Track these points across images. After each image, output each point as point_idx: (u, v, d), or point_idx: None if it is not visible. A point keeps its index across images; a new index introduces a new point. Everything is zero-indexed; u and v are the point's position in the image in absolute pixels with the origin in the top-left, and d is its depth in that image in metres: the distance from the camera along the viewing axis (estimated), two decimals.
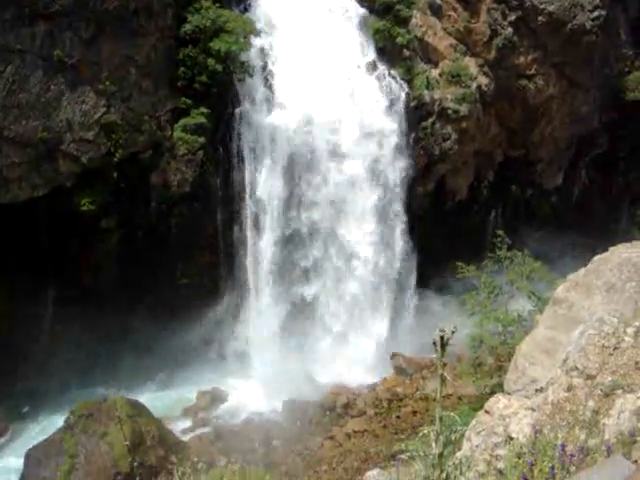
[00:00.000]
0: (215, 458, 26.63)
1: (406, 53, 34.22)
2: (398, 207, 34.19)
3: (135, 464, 24.32)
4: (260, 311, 32.82)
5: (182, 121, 30.47)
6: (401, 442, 24.71)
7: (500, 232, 27.23)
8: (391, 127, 33.21)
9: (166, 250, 31.29)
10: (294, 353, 31.72)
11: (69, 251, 30.47)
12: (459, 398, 27.19)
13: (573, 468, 5.22)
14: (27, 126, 27.43)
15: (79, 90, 28.30)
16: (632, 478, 2.47)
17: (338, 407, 29.90)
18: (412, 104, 33.91)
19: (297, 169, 32.20)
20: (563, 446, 5.63)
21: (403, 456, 5.17)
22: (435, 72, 35.17)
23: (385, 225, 34.03)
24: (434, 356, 4.77)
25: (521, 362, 12.05)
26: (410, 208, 34.68)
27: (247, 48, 31.21)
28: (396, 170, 33.69)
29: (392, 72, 33.73)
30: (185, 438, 28.50)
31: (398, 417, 29.11)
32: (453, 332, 4.68)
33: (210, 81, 30.20)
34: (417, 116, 34.36)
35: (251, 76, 31.38)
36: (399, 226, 34.33)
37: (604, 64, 39.45)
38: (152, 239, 31.03)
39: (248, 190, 31.87)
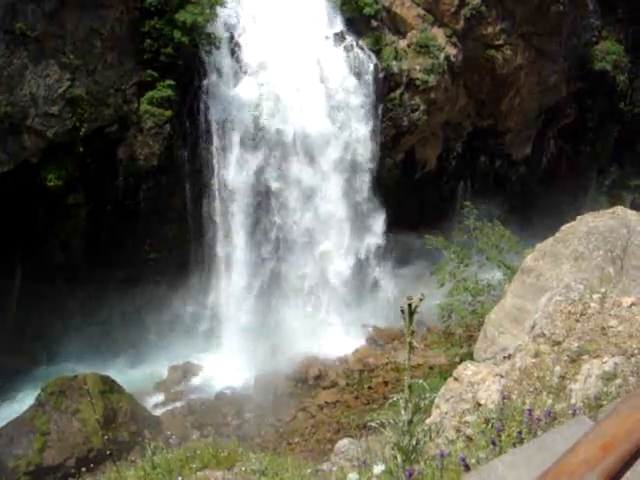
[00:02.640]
0: (188, 432, 26.69)
1: (374, 24, 34.09)
2: (366, 179, 34.23)
3: (108, 440, 24.30)
4: (230, 285, 32.78)
5: (148, 94, 30.12)
6: (373, 412, 24.88)
7: (467, 202, 27.32)
8: (359, 98, 33.15)
9: (135, 224, 31.07)
10: (265, 326, 31.79)
11: (37, 227, 30.16)
12: (430, 368, 27.38)
13: (540, 432, 5.28)
14: None
15: (43, 64, 27.87)
16: (590, 432, 2.49)
17: (310, 379, 30.04)
18: (380, 75, 33.84)
19: (264, 140, 32.07)
20: (530, 411, 5.69)
21: (373, 424, 5.18)
22: (403, 43, 35.08)
23: (354, 198, 34.08)
24: (403, 323, 4.78)
25: (490, 331, 12.15)
26: (379, 179, 34.71)
27: (213, 19, 30.90)
28: (364, 141, 33.65)
29: (360, 43, 33.62)
30: (157, 413, 28.51)
31: (370, 387, 29.30)
32: (421, 300, 4.69)
33: (176, 53, 29.87)
34: (385, 87, 34.30)
35: (217, 48, 31.09)
36: (367, 199, 34.40)
37: (572, 34, 39.64)
38: (120, 214, 30.79)
39: (216, 163, 31.70)
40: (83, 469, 16.67)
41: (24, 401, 27.76)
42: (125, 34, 29.63)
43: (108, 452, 19.19)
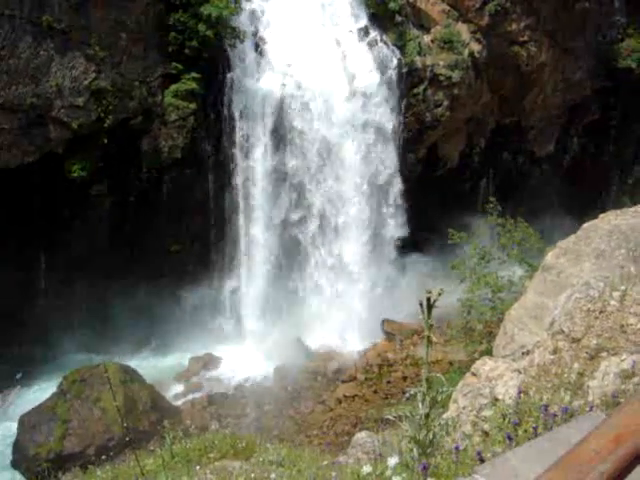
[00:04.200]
0: (207, 423, 26.88)
1: (398, 19, 34.00)
2: (390, 173, 34.18)
3: (127, 429, 24.53)
4: (252, 277, 32.91)
5: (173, 87, 30.28)
6: (391, 407, 24.93)
7: (492, 199, 27.27)
8: (382, 93, 33.10)
9: (157, 216, 31.26)
10: (286, 319, 31.88)
11: (61, 217, 30.43)
12: (449, 363, 27.38)
13: (556, 427, 5.32)
14: (16, 92, 27.25)
15: (69, 56, 28.09)
16: (601, 424, 2.54)
17: (329, 372, 30.14)
18: (404, 70, 33.77)
19: (288, 134, 32.13)
20: (546, 407, 5.73)
21: (390, 417, 5.24)
22: (427, 38, 34.98)
23: (376, 191, 34.05)
24: (422, 319, 4.83)
25: (510, 328, 12.16)
26: (401, 174, 34.67)
27: (238, 13, 30.99)
28: (387, 136, 33.62)
29: (384, 38, 33.54)
30: (177, 403, 28.75)
31: (388, 382, 29.34)
32: (440, 294, 4.73)
33: (201, 46, 29.96)
34: (409, 82, 34.23)
35: (242, 41, 31.18)
36: (391, 194, 34.35)
37: (597, 31, 39.32)
38: (143, 205, 30.99)
39: (239, 156, 31.81)
40: (103, 457, 16.86)
41: (46, 389, 28.10)
42: (150, 27, 29.78)
43: (131, 437, 19.41)
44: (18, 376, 30.46)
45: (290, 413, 28.25)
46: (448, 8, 35.34)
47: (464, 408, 8.20)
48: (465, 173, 39.17)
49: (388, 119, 33.50)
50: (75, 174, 28.83)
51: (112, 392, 21.83)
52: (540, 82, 38.93)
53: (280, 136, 32.06)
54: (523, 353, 8.71)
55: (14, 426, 26.80)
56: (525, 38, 37.05)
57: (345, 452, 10.67)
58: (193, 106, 30.43)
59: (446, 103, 35.13)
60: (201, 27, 29.59)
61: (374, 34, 33.43)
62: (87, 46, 28.29)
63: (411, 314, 31.36)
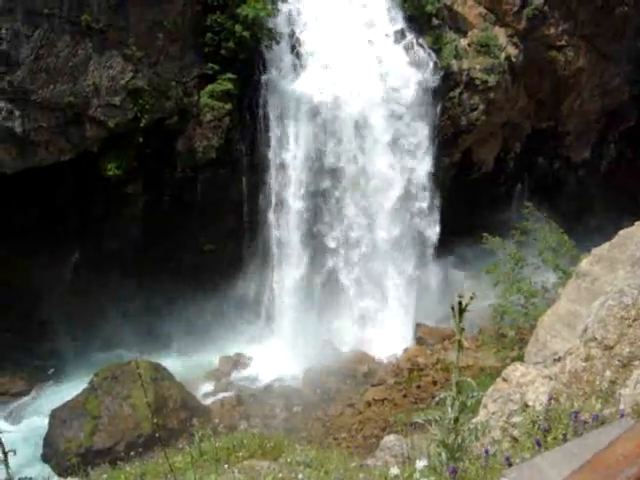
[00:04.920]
0: (236, 422, 26.97)
1: (435, 22, 33.88)
2: (423, 177, 34.05)
3: (157, 426, 24.70)
4: (283, 278, 32.96)
5: (209, 87, 30.45)
6: (420, 411, 24.83)
7: (528, 204, 27.08)
8: (418, 96, 32.99)
9: (191, 216, 31.45)
10: (317, 320, 31.88)
11: (94, 215, 30.74)
12: (480, 369, 27.22)
13: (585, 434, 5.26)
14: (54, 90, 27.58)
15: (106, 55, 28.37)
16: (629, 430, 2.51)
17: (359, 375, 30.08)
18: (440, 73, 33.64)
19: (322, 136, 32.14)
20: (577, 413, 5.67)
21: (419, 420, 5.21)
22: (464, 42, 34.81)
23: (409, 194, 33.94)
24: (454, 323, 4.79)
25: (542, 334, 12.05)
26: (436, 178, 34.52)
27: (275, 14, 31.07)
28: (422, 139, 33.50)
29: (420, 41, 33.43)
30: (207, 402, 28.88)
31: (418, 387, 29.21)
32: (472, 298, 4.68)
33: (237, 47, 30.09)
34: (444, 86, 34.09)
35: (278, 43, 31.28)
36: (423, 196, 34.22)
37: (636, 36, 38.85)
38: (177, 205, 31.21)
39: (273, 157, 31.90)
40: (132, 453, 16.95)
41: (77, 385, 28.37)
42: (187, 27, 29.97)
43: (157, 435, 19.51)
44: (50, 371, 30.83)
45: (319, 415, 28.25)
46: (485, 11, 35.15)
47: (494, 413, 8.14)
48: (500, 178, 38.92)
49: (423, 123, 33.37)
50: (110, 172, 29.11)
51: (144, 389, 21.97)
52: (578, 87, 38.58)
53: (315, 138, 32.08)
54: (555, 360, 8.62)
55: (45, 421, 27.14)
56: (563, 42, 36.75)
57: (373, 455, 10.64)
58: (228, 107, 30.57)
59: (482, 107, 34.93)
60: (238, 28, 29.72)
61: (410, 37, 33.34)
62: (125, 46, 28.55)
63: (442, 318, 31.29)
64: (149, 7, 28.77)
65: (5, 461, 4.94)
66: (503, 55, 34.90)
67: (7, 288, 29.37)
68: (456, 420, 4.92)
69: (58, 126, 28.21)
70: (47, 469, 25.12)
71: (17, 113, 27.33)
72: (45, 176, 28.87)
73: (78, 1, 27.25)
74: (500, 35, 35.15)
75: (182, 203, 31.29)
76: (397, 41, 33.16)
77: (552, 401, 6.97)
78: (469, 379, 5.06)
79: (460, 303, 4.60)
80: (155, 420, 24.60)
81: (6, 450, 4.93)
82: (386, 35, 33.09)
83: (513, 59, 35.37)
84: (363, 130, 32.40)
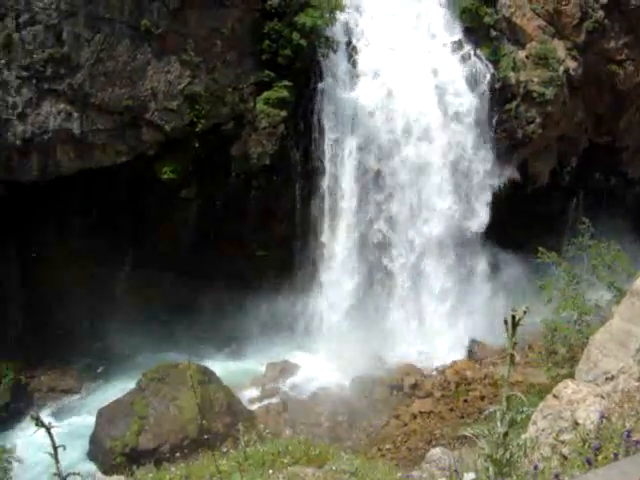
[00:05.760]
0: (281, 429, 26.99)
1: (493, 33, 33.65)
2: (479, 190, 33.73)
3: (202, 428, 24.84)
4: (333, 287, 32.93)
5: (265, 94, 30.62)
6: (467, 426, 24.55)
7: (585, 219, 26.67)
8: (474, 108, 32.76)
9: (243, 221, 31.64)
10: (366, 330, 31.76)
11: (148, 218, 31.10)
12: (529, 386, 26.83)
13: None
14: (113, 94, 28.04)
15: (165, 60, 28.75)
16: None
17: (406, 387, 29.90)
18: (497, 85, 33.37)
19: (377, 145, 32.09)
20: (629, 433, 5.53)
21: (467, 434, 5.13)
22: (522, 54, 34.46)
23: (464, 208, 33.67)
24: (505, 338, 4.71)
25: (594, 353, 11.82)
26: (490, 190, 34.19)
27: (332, 23, 31.15)
28: (477, 151, 33.23)
29: (478, 52, 33.24)
30: (252, 408, 28.97)
31: (465, 401, 28.94)
32: (525, 312, 4.60)
33: (294, 55, 30.23)
34: (501, 98, 33.80)
35: (335, 51, 31.36)
36: (479, 211, 33.89)
37: None
38: (230, 210, 31.40)
39: (327, 165, 31.93)
40: (176, 455, 17.07)
41: (125, 385, 28.70)
42: (245, 34, 30.21)
43: (206, 437, 19.59)
44: (99, 370, 31.22)
45: (364, 425, 28.13)
46: (544, 24, 34.76)
47: (543, 430, 7.99)
48: (555, 192, 38.38)
49: (479, 135, 33.11)
50: (165, 176, 29.44)
51: (194, 391, 22.16)
52: (637, 101, 37.90)
53: (369, 148, 32.04)
54: (607, 378, 8.44)
55: (92, 419, 27.49)
56: (622, 57, 36.15)
57: (419, 467, 10.55)
58: (284, 114, 30.70)
59: (538, 120, 34.52)
60: (295, 36, 29.86)
61: (468, 48, 33.17)
62: (183, 51, 28.90)
63: (492, 333, 30.90)
64: (208, 13, 29.09)
65: (55, 456, 4.96)
66: (561, 68, 34.46)
67: (62, 287, 29.86)
68: (505, 435, 4.84)
69: (115, 129, 28.67)
70: (93, 467, 25.43)
71: (76, 115, 27.85)
72: (102, 178, 29.31)
73: (138, 6, 27.70)
74: (559, 48, 34.73)
75: (235, 209, 31.47)
76: (454, 52, 33.00)
77: (604, 420, 6.82)
78: (519, 394, 4.97)
79: (514, 317, 4.53)
80: (205, 421, 24.79)
81: (56, 445, 4.96)
82: (443, 45, 32.97)
83: (572, 72, 34.91)
84: (417, 139, 32.26)
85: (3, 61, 26.67)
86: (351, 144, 31.79)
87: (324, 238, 32.72)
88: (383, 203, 32.78)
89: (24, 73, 26.95)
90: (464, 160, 33.27)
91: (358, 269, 32.91)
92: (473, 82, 32.71)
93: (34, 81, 27.08)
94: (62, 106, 27.62)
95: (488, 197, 34.07)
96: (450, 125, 32.65)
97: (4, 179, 28.47)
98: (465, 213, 33.80)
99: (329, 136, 31.67)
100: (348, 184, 32.07)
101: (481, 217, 34.02)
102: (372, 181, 32.43)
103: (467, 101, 32.67)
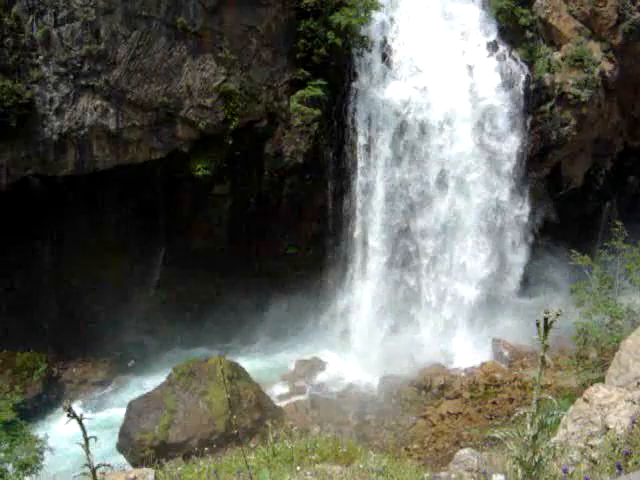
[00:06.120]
0: (309, 426, 27.04)
1: (528, 34, 33.42)
2: (512, 192, 33.51)
3: (231, 423, 25.00)
4: (364, 286, 32.94)
5: (299, 93, 30.73)
6: (495, 428, 24.47)
7: (618, 223, 26.42)
8: (508, 109, 32.57)
9: (275, 219, 31.77)
10: (395, 330, 31.75)
11: (181, 214, 31.33)
12: (559, 389, 26.67)
13: None
14: (149, 90, 28.31)
15: (200, 57, 28.95)
16: None
17: (434, 387, 29.84)
18: (531, 87, 33.15)
19: (411, 145, 32.02)
20: None
21: (497, 435, 5.18)
22: (557, 55, 34.19)
23: (497, 209, 33.48)
24: (535, 341, 4.75)
25: (625, 357, 11.76)
26: (524, 193, 33.96)
27: (367, 23, 31.17)
28: (510, 153, 33.03)
29: (513, 53, 33.04)
30: (281, 404, 29.09)
31: (494, 403, 28.82)
32: (558, 315, 4.64)
33: (328, 54, 30.31)
34: (536, 99, 33.57)
35: (369, 51, 31.38)
36: (513, 212, 33.68)
37: None
38: (263, 207, 31.54)
39: (361, 164, 31.95)
40: (205, 449, 17.16)
41: (156, 378, 28.96)
42: (280, 33, 30.31)
43: (236, 432, 19.70)
44: (130, 363, 31.52)
45: (392, 425, 28.12)
46: (581, 26, 34.44)
47: (573, 434, 7.98)
48: (589, 195, 38.05)
49: (513, 136, 32.91)
50: (199, 173, 29.64)
51: (225, 386, 22.29)
52: None
53: (401, 147, 32.00)
54: (638, 383, 8.42)
55: (122, 411, 27.78)
56: None
57: (446, 468, 10.55)
58: (317, 112, 30.78)
59: (573, 122, 34.25)
60: (330, 35, 29.92)
61: (503, 49, 32.98)
62: (218, 49, 29.07)
63: (522, 335, 30.75)
64: (244, 12, 29.23)
65: (86, 446, 5.05)
66: (597, 70, 34.12)
67: (95, 281, 30.21)
68: (535, 438, 4.87)
69: (150, 125, 28.94)
70: (121, 459, 25.65)
71: (112, 111, 28.15)
72: (136, 174, 29.60)
73: (175, 4, 27.94)
74: (595, 50, 34.39)
75: (267, 206, 31.61)
76: (489, 52, 32.83)
77: (635, 425, 6.81)
78: (550, 397, 4.99)
79: (546, 319, 4.57)
80: (235, 416, 24.94)
81: (87, 436, 5.06)
82: (478, 46, 32.81)
83: (607, 74, 34.55)
84: (450, 139, 32.15)
85: (42, 57, 27.05)
86: (384, 142, 31.76)
87: (355, 237, 32.74)
88: (417, 203, 32.66)
89: (62, 69, 27.29)
90: (498, 162, 33.04)
91: (389, 269, 32.87)
92: (508, 83, 32.51)
93: (71, 77, 27.42)
94: (98, 102, 27.94)
95: (522, 198, 33.81)
96: (483, 125, 32.46)
97: (40, 174, 28.88)
98: (500, 216, 33.58)
99: (362, 135, 31.69)
100: (380, 183, 32.05)
101: (516, 218, 33.77)
102: (405, 180, 32.34)
103: (502, 102, 32.47)
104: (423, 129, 31.93)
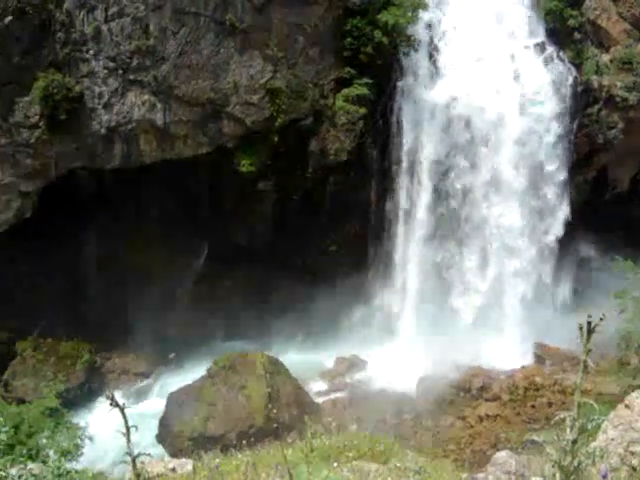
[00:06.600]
0: (346, 424, 27.07)
1: (577, 36, 33.08)
2: (556, 196, 33.20)
3: (269, 418, 25.21)
4: (405, 285, 32.93)
5: (344, 91, 30.80)
6: (533, 431, 24.35)
7: None
8: (555, 111, 32.28)
9: (318, 216, 31.87)
10: (436, 330, 31.65)
11: (225, 209, 31.60)
12: (599, 395, 26.40)
13: None
14: (196, 86, 28.59)
15: (247, 54, 29.15)
16: None
17: (473, 389, 29.72)
18: (579, 89, 32.83)
19: (456, 146, 31.91)
20: None
21: (536, 439, 5.21)
22: (606, 57, 33.79)
23: (541, 212, 33.22)
24: (577, 345, 4.76)
25: None
26: (569, 196, 33.64)
27: (414, 22, 31.12)
28: (556, 155, 32.74)
29: (561, 55, 32.73)
30: (319, 400, 29.23)
31: (533, 406, 28.63)
32: (601, 319, 4.65)
33: (375, 53, 30.31)
34: (583, 101, 33.23)
35: (416, 50, 31.33)
36: (557, 215, 33.37)
37: None
38: (306, 205, 31.68)
39: (405, 164, 31.93)
40: (243, 442, 17.32)
41: (196, 371, 29.25)
42: (327, 31, 30.40)
43: (275, 426, 19.86)
44: (171, 355, 31.84)
45: (429, 425, 28.09)
46: (630, 28, 34.00)
47: (613, 440, 7.95)
48: (634, 200, 37.54)
49: (559, 139, 32.61)
50: (244, 169, 29.85)
51: (266, 380, 22.48)
52: None
53: (447, 147, 31.90)
54: None
55: (162, 403, 28.15)
56: None
57: (484, 470, 10.57)
58: (363, 111, 30.83)
59: (620, 126, 33.84)
60: (377, 34, 29.95)
61: (550, 50, 32.68)
62: (266, 46, 29.25)
63: (564, 339, 30.47)
64: (292, 10, 29.38)
65: (127, 435, 5.18)
66: None
67: (139, 272, 30.60)
68: (574, 442, 4.88)
69: (197, 121, 29.24)
70: (160, 450, 25.96)
71: (159, 106, 28.50)
72: (181, 168, 29.92)
73: (223, 1, 28.18)
74: None
75: (310, 203, 31.74)
76: (537, 54, 32.58)
77: None
78: (592, 402, 5.00)
79: (589, 323, 4.58)
80: (274, 411, 25.14)
81: (129, 425, 5.19)
82: (525, 47, 32.56)
83: None
84: (496, 141, 31.96)
85: (92, 52, 27.46)
86: (429, 143, 31.70)
87: (397, 237, 32.73)
88: (459, 203, 32.54)
89: (111, 64, 27.69)
90: (544, 164, 32.76)
91: (432, 269, 32.80)
92: (555, 85, 32.21)
93: (120, 72, 27.80)
94: (146, 97, 28.30)
95: (566, 201, 33.46)
96: (530, 126, 32.21)
97: (88, 166, 29.35)
98: (544, 218, 33.29)
99: (407, 134, 31.67)
100: (424, 183, 32.00)
101: (560, 221, 33.45)
102: (448, 181, 32.24)
103: (547, 103, 32.20)
104: (469, 129, 31.78)
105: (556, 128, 32.42)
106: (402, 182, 32.16)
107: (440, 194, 32.39)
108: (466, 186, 32.36)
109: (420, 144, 31.76)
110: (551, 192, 33.12)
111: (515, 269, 33.16)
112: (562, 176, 33.13)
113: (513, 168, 32.29)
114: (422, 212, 32.32)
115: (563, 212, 33.42)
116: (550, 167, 32.86)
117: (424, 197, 32.17)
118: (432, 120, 31.58)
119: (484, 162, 32.16)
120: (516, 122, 32.00)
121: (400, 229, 32.69)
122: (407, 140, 31.73)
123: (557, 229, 33.49)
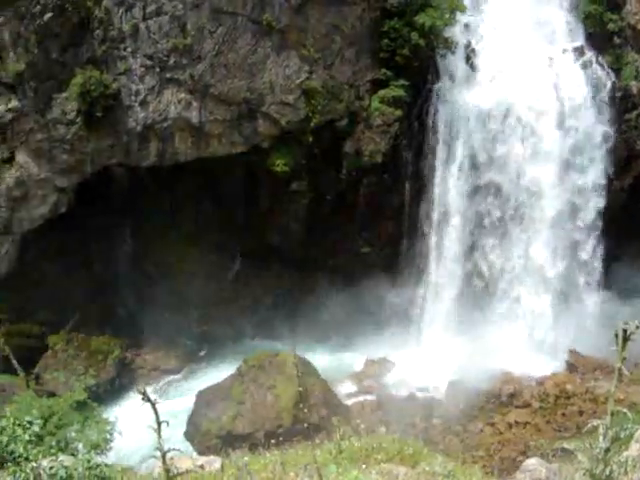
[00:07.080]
0: (375, 426, 26.93)
1: (616, 40, 32.68)
2: (593, 203, 32.79)
3: (298, 418, 25.19)
4: (438, 289, 32.74)
5: (380, 92, 30.74)
6: (563, 440, 24.07)
7: None
8: (594, 117, 31.91)
9: (351, 217, 31.81)
10: (467, 335, 31.45)
11: (259, 209, 31.65)
12: (632, 404, 26.07)
13: None
14: (232, 85, 28.69)
15: (284, 54, 29.19)
16: None
17: (503, 395, 29.47)
18: (618, 94, 32.43)
19: (490, 149, 31.66)
20: None
21: (567, 446, 5.13)
22: None
23: (574, 218, 32.84)
24: (612, 352, 4.68)
25: None
26: (605, 202, 33.22)
27: (452, 24, 30.96)
28: (594, 162, 32.34)
29: (600, 59, 32.35)
30: (348, 402, 29.17)
31: (563, 414, 28.33)
32: (638, 327, 4.58)
33: (412, 55, 30.23)
34: (622, 107, 32.81)
35: (453, 53, 31.16)
36: (592, 222, 32.96)
37: None
38: (339, 205, 31.64)
39: (439, 166, 31.75)
40: (271, 442, 17.32)
41: (226, 369, 29.37)
42: (364, 32, 30.35)
43: (306, 425, 19.81)
44: (202, 353, 32.02)
45: (458, 430, 27.91)
46: None
47: None
48: None
49: (596, 144, 32.22)
50: (278, 168, 29.88)
51: (298, 379, 22.47)
52: None
53: (482, 151, 31.66)
54: None
55: (191, 400, 28.27)
56: None
57: (513, 476, 10.46)
58: (398, 113, 30.74)
59: None
60: (414, 35, 29.85)
61: (589, 55, 32.32)
62: (302, 47, 29.28)
63: (596, 347, 30.11)
64: (329, 10, 29.38)
65: (158, 431, 5.17)
66: None
67: (171, 270, 30.79)
68: (607, 450, 4.81)
69: (232, 120, 29.33)
70: (188, 447, 26.06)
71: (195, 104, 28.64)
72: (216, 167, 30.03)
73: (261, 1, 28.26)
74: None
75: (344, 204, 31.69)
76: (576, 58, 32.24)
77: None
78: (625, 410, 4.92)
79: (625, 331, 4.51)
80: (305, 410, 25.14)
81: (160, 421, 5.18)
82: (564, 51, 32.24)
83: None
84: (532, 145, 31.67)
85: (129, 49, 27.68)
86: (464, 146, 31.50)
87: (431, 240, 32.55)
88: (494, 208, 32.28)
89: (148, 62, 27.89)
90: (580, 171, 32.39)
91: (463, 275, 32.60)
92: (594, 90, 31.83)
93: (157, 70, 28.00)
94: (182, 95, 28.45)
95: (602, 206, 33.02)
96: (567, 131, 31.88)
97: (123, 163, 29.57)
98: (576, 225, 32.89)
99: (443, 137, 31.49)
100: (459, 187, 31.77)
101: (595, 228, 33.03)
102: (483, 185, 31.99)
103: (585, 108, 31.83)
104: (504, 135, 31.52)
105: (594, 134, 32.00)
106: (436, 185, 31.95)
107: (476, 196, 32.13)
108: (501, 188, 32.06)
109: (455, 147, 31.53)
110: (589, 200, 32.66)
111: (549, 273, 32.81)
112: (600, 183, 32.66)
113: (550, 171, 31.93)
114: (457, 216, 32.09)
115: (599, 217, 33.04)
116: (588, 175, 32.43)
117: (459, 200, 31.94)
118: (468, 123, 31.35)
119: (519, 166, 31.84)
120: (552, 125, 31.61)
121: (434, 233, 32.49)
122: (442, 143, 31.52)
123: (591, 234, 33.08)
